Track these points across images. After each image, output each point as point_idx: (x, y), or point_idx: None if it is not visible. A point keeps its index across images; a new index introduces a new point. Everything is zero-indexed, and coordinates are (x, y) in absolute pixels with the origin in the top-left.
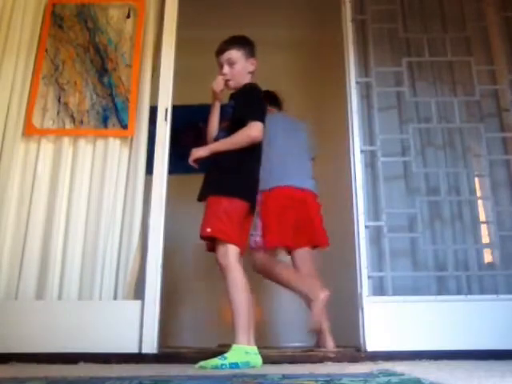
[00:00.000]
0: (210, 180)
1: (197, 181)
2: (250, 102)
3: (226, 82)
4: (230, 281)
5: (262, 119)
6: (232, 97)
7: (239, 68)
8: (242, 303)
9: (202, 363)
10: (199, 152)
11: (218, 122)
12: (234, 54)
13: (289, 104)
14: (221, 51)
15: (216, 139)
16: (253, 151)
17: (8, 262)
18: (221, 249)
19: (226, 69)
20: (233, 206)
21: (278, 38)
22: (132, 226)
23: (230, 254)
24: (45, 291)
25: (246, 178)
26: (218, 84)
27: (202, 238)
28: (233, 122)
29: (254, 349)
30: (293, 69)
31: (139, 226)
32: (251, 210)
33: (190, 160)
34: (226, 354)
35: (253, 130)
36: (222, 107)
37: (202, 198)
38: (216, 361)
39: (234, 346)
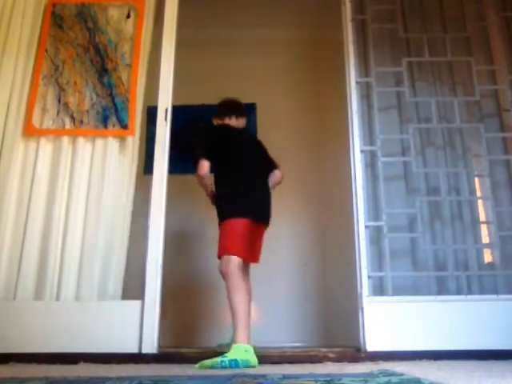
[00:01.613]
0: (220, 206)
1: (196, 181)
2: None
3: None
4: (229, 285)
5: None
6: None
7: None
8: (241, 303)
9: (201, 362)
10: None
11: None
12: None
13: (289, 104)
14: None
15: None
16: (228, 177)
17: (7, 262)
18: (224, 259)
19: None
20: (232, 225)
21: (278, 39)
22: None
23: (231, 262)
24: (44, 291)
25: (241, 198)
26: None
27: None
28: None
29: (251, 348)
30: (293, 69)
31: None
32: (259, 222)
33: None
34: (226, 354)
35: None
36: None
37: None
38: (216, 359)
39: (234, 346)
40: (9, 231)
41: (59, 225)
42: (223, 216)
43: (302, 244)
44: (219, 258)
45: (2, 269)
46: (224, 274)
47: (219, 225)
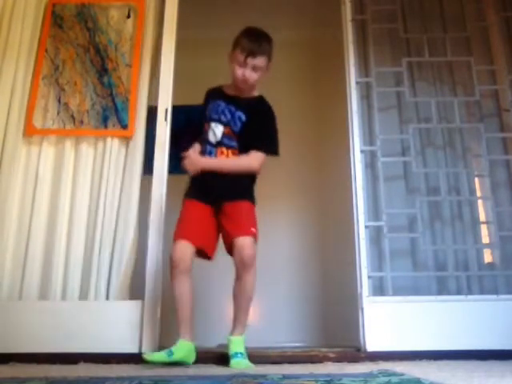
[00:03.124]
0: (239, 185)
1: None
2: (271, 132)
3: (243, 81)
4: (252, 272)
5: (274, 151)
6: (241, 102)
7: (259, 76)
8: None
9: (233, 364)
10: (202, 163)
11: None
12: (263, 62)
13: (289, 104)
14: (254, 53)
15: (219, 142)
16: None
17: (11, 264)
18: (252, 242)
19: (250, 73)
20: (254, 211)
21: (278, 39)
22: (128, 226)
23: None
24: (47, 292)
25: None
26: (195, 166)
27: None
28: (243, 137)
29: None
30: (293, 69)
31: (134, 226)
32: None
33: (193, 169)
34: (239, 351)
35: (255, 162)
36: (218, 106)
37: (230, 199)
38: (242, 362)
39: (242, 338)
40: (13, 232)
41: (62, 225)
42: (245, 195)
43: (302, 244)
44: (243, 235)
45: (6, 270)
46: (252, 259)
47: (230, 201)
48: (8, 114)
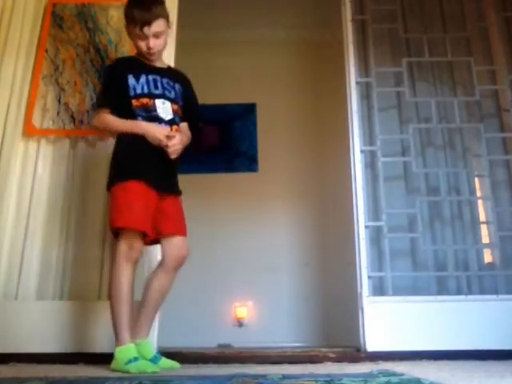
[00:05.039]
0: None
1: (197, 180)
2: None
3: (150, 53)
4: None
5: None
6: (170, 74)
7: (164, 40)
8: None
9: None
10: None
11: None
12: (162, 26)
13: (289, 104)
14: (148, 22)
15: (172, 120)
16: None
17: (7, 263)
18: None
19: (154, 42)
20: None
21: (278, 39)
22: None
23: None
24: (45, 291)
25: None
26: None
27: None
28: (185, 108)
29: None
30: (293, 69)
31: None
32: None
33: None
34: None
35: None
36: (154, 80)
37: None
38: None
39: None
40: (9, 232)
41: (62, 224)
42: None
43: (302, 244)
44: (182, 235)
45: (2, 269)
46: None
47: (175, 195)
48: (7, 113)
